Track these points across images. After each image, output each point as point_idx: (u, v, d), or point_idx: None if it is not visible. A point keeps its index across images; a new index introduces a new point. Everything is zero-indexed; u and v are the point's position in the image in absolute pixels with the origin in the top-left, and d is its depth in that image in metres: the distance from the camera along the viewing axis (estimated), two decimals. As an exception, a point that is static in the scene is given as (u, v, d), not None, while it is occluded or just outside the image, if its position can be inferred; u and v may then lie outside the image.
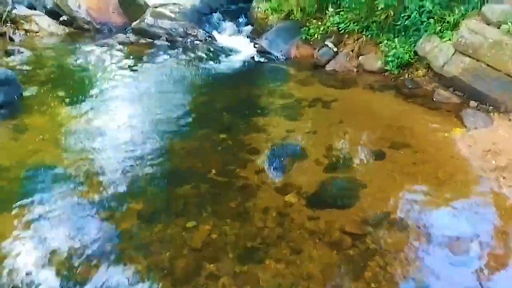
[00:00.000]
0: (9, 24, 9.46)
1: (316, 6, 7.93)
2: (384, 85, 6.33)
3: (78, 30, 9.89)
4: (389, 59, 6.46)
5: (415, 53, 6.40)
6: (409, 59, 6.38)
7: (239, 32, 9.55)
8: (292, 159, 4.43)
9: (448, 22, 6.09)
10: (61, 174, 4.15)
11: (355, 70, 6.97)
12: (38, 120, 5.32)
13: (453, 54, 5.66)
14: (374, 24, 7.00)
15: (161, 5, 9.55)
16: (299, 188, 3.89)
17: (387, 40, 6.70)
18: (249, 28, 9.66)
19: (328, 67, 7.15)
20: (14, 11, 9.77)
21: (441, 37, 6.03)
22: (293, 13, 8.31)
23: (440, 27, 6.05)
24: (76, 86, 6.44)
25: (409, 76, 6.43)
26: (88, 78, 6.80)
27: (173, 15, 9.44)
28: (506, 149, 4.21)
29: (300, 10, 8.13)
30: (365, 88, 6.30)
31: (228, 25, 9.74)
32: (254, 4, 9.93)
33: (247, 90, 6.43)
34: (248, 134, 4.97)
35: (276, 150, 4.61)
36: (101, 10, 9.99)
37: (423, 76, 6.28)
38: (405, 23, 6.47)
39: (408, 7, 6.44)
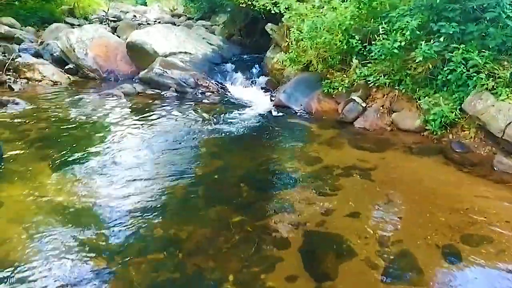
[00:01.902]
0: (10, 73, 8.56)
1: (339, 57, 6.91)
2: (426, 148, 5.14)
3: (83, 79, 8.96)
4: (431, 117, 5.30)
5: (461, 111, 5.26)
6: (455, 119, 5.22)
7: (253, 83, 8.58)
8: (335, 257, 3.15)
9: (500, 77, 4.99)
10: (26, 279, 2.89)
11: (388, 128, 5.82)
12: (16, 192, 4.09)
13: (518, 116, 4.50)
14: (408, 77, 5.91)
15: (171, 54, 8.64)
16: (353, 312, 2.59)
17: (426, 96, 5.59)
18: (263, 79, 8.69)
19: (357, 125, 6.01)
20: (18, 59, 8.93)
21: (494, 95, 4.90)
22: (312, 65, 7.29)
23: (493, 84, 4.92)
24: (70, 146, 5.27)
25: (454, 137, 5.25)
26: (86, 136, 5.68)
27: (183, 65, 8.50)
28: None
29: (321, 61, 7.11)
30: (405, 151, 5.11)
31: (241, 76, 8.79)
32: (268, 54, 9.03)
33: (266, 153, 5.24)
34: (271, 215, 3.72)
35: (312, 243, 3.34)
36: (109, 58, 9.10)
37: (472, 138, 5.09)
38: (447, 78, 5.37)
39: (448, 60, 5.38)
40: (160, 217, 3.67)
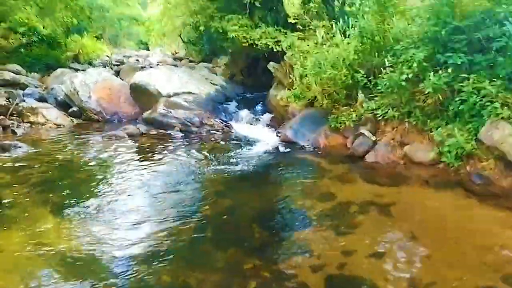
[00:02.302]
0: (14, 117, 8.46)
1: (344, 92, 6.81)
2: (444, 181, 4.88)
3: (87, 121, 8.86)
4: (446, 149, 5.08)
5: (476, 141, 5.05)
6: (472, 149, 4.99)
7: (258, 120, 8.46)
8: (363, 304, 2.82)
9: (514, 105, 4.82)
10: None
11: (401, 162, 5.58)
12: (15, 240, 3.79)
13: (539, 145, 4.28)
14: (418, 109, 5.76)
15: (175, 94, 8.58)
16: None
17: (438, 127, 5.40)
18: (267, 116, 8.59)
19: (368, 159, 5.78)
20: (22, 104, 8.87)
21: (511, 124, 4.70)
22: (317, 100, 7.19)
23: (509, 113, 4.74)
24: (72, 189, 5.03)
25: (472, 169, 5.00)
26: (88, 179, 5.44)
27: (187, 105, 8.41)
28: None
29: (326, 96, 7.01)
30: (422, 185, 4.85)
31: (246, 114, 8.69)
32: (272, 92, 8.98)
33: (276, 190, 4.98)
34: (289, 258, 3.40)
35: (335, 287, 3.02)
36: (112, 100, 9.04)
37: (492, 169, 4.84)
38: (459, 108, 5.21)
39: (459, 91, 5.25)
40: (167, 263, 3.36)
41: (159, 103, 8.27)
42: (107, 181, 5.26)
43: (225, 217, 4.24)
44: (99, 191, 4.90)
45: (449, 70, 5.28)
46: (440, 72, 5.32)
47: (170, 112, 8.02)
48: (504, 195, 4.35)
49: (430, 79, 5.27)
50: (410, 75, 5.53)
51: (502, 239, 3.45)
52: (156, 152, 6.50)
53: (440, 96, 5.43)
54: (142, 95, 8.89)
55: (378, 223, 3.94)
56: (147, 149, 6.69)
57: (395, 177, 5.12)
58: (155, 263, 3.35)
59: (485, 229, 3.69)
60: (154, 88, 8.69)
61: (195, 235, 3.84)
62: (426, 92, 5.38)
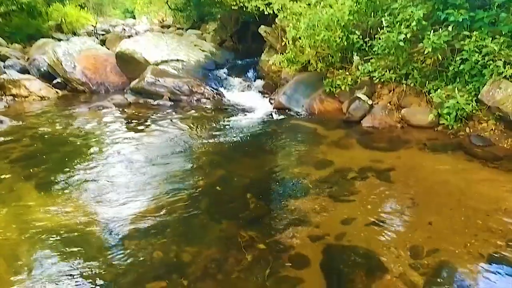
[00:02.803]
0: (-5, 90, 8.06)
1: (339, 54, 6.50)
2: (443, 144, 4.73)
3: (72, 93, 8.49)
4: (445, 111, 4.89)
5: (477, 102, 4.85)
6: (472, 111, 4.80)
7: (250, 87, 8.14)
8: (364, 274, 2.68)
9: (517, 64, 4.59)
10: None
11: (398, 125, 5.40)
12: (-3, 217, 3.60)
13: (542, 104, 4.09)
14: (416, 71, 5.51)
15: (163, 62, 8.19)
16: None
17: (437, 89, 5.18)
18: (259, 82, 8.27)
19: (365, 123, 5.58)
20: (3, 76, 8.42)
21: (513, 82, 4.49)
22: (311, 64, 6.89)
23: (512, 71, 4.52)
24: (57, 163, 4.78)
25: (472, 130, 4.84)
26: (74, 152, 5.18)
27: (176, 72, 8.04)
28: None
29: (320, 60, 6.70)
30: (421, 149, 4.68)
31: (237, 81, 8.36)
32: (263, 57, 8.62)
33: (271, 159, 4.79)
34: (285, 228, 3.25)
35: (335, 259, 2.87)
36: (98, 70, 8.63)
37: (492, 130, 4.67)
38: (459, 68, 4.98)
39: (459, 49, 4.99)
40: (159, 238, 3.19)
41: (146, 72, 7.90)
42: (94, 154, 5.02)
43: (218, 188, 4.05)
44: (86, 165, 4.67)
45: (450, 28, 5.00)
46: (440, 30, 5.04)
47: (158, 80, 7.67)
48: (506, 157, 4.21)
49: (429, 38, 4.99)
50: (408, 35, 5.24)
51: (506, 203, 3.31)
52: (145, 123, 6.23)
53: (439, 56, 5.18)
54: (128, 64, 8.49)
55: (377, 189, 3.78)
56: (135, 120, 6.40)
57: (393, 141, 4.95)
58: (146, 238, 3.18)
59: (488, 192, 3.55)
60: (141, 56, 8.29)
61: (188, 208, 3.66)
62: (425, 52, 5.12)
